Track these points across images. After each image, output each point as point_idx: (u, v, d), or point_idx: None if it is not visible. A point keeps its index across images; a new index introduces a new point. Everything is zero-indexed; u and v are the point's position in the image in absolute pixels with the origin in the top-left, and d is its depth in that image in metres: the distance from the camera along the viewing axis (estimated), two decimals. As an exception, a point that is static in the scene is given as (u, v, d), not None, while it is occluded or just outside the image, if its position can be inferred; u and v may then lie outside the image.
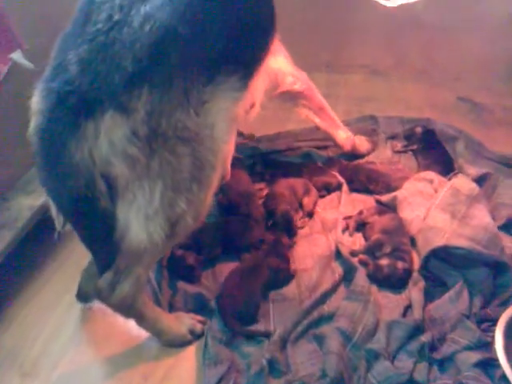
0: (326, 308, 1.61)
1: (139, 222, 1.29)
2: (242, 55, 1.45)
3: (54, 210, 1.33)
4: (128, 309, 1.43)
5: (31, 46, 1.73)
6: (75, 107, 1.18)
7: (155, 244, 1.33)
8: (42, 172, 1.26)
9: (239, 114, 1.52)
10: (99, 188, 1.23)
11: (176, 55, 1.24)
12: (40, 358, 1.51)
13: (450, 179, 2.01)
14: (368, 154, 2.27)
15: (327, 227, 1.91)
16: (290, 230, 1.89)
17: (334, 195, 2.07)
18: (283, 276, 1.71)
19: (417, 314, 1.55)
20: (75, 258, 1.74)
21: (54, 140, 1.20)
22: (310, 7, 2.73)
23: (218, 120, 1.36)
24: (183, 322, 1.54)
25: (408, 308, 1.61)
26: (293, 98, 2.06)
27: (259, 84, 1.69)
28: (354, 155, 2.25)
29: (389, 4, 1.97)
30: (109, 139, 1.18)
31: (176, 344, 1.53)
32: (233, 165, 2.00)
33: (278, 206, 1.91)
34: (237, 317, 1.55)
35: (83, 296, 1.62)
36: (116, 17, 1.23)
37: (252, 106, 1.74)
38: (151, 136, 1.22)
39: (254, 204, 1.95)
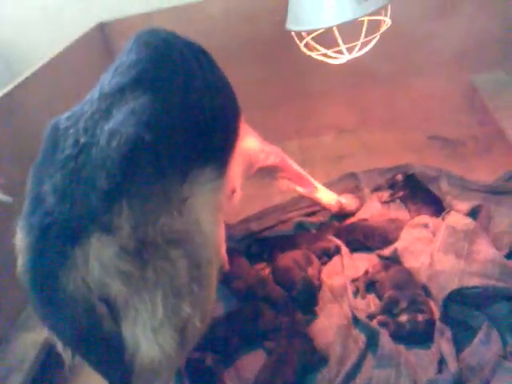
0: (359, 381, 1.52)
1: (147, 336, 1.21)
2: (211, 146, 1.44)
3: (59, 345, 1.24)
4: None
5: (7, 180, 1.70)
6: (59, 238, 1.13)
7: (168, 356, 1.25)
8: (39, 309, 1.19)
9: (222, 202, 1.49)
10: (100, 312, 1.17)
11: (148, 163, 1.23)
12: None
13: (443, 219, 1.98)
14: (357, 210, 2.24)
15: (338, 294, 1.84)
16: (313, 299, 1.82)
17: (335, 260, 2.01)
18: (311, 356, 1.61)
19: (452, 367, 1.46)
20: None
21: (43, 275, 1.14)
22: (268, 82, 2.78)
23: (203, 213, 1.33)
24: None
25: (442, 362, 1.52)
26: (269, 172, 2.05)
27: (235, 168, 1.68)
28: (344, 215, 2.22)
29: (337, 62, 2.02)
30: (99, 262, 1.14)
31: None
32: (228, 253, 1.95)
33: (294, 277, 1.85)
34: None
35: None
36: (82, 140, 1.22)
37: (233, 191, 1.72)
38: (141, 248, 1.18)
39: (270, 285, 1.88)
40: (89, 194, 1.15)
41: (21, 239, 1.19)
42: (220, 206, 1.46)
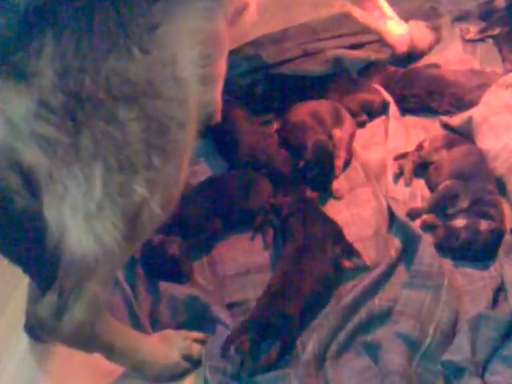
0: (378, 302, 1.56)
1: (78, 222, 1.23)
2: None
3: None
4: (87, 342, 1.39)
5: None
6: None
7: (109, 250, 1.28)
8: None
9: (221, 29, 1.40)
10: (9, 184, 1.19)
11: None
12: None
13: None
14: (430, 50, 2.16)
15: (372, 174, 1.84)
16: (329, 171, 1.80)
17: (378, 122, 1.99)
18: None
19: (514, 300, 1.49)
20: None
21: None
22: None
23: (184, 49, 1.27)
24: (173, 345, 1.51)
25: (500, 291, 1.53)
26: None
27: None
28: (408, 55, 2.14)
29: None
30: (6, 119, 1.11)
31: (167, 377, 1.50)
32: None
33: (305, 139, 1.83)
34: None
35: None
36: None
37: (244, 7, 1.64)
38: (71, 104, 1.14)
39: (274, 148, 1.87)
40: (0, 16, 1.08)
41: None
42: (218, 35, 1.39)
